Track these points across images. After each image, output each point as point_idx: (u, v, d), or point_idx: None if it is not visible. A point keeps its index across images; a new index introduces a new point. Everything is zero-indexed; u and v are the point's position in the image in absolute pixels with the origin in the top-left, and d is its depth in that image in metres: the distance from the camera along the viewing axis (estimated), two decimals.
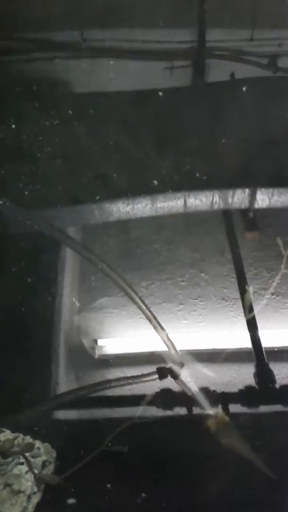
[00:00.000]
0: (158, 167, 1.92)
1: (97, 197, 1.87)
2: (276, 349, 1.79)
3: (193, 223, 2.30)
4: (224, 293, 2.22)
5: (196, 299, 2.22)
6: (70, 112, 2.01)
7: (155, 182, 1.87)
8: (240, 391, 1.52)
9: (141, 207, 1.94)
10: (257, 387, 1.51)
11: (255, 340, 1.68)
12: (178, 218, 2.16)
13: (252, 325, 1.75)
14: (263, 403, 1.50)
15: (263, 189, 2.01)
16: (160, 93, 2.03)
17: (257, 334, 1.71)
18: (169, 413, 1.55)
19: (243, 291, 1.93)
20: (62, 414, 1.60)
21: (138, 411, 1.56)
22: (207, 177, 1.91)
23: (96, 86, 2.16)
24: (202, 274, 2.27)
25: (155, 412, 1.56)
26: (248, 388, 1.52)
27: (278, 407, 1.47)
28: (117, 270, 1.86)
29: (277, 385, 1.50)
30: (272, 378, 1.51)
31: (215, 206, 2.06)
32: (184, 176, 1.89)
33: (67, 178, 1.89)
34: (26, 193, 1.85)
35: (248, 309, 1.85)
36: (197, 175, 1.91)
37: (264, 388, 1.50)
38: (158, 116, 2.02)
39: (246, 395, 1.50)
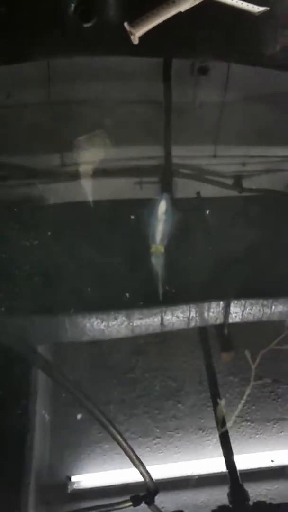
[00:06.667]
0: (130, 281, 2.03)
1: (71, 310, 1.95)
2: (250, 471, 1.73)
3: (169, 346, 2.32)
4: (201, 423, 2.18)
5: (173, 431, 2.18)
6: (49, 233, 2.15)
7: (127, 295, 1.99)
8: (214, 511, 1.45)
9: (116, 325, 2.01)
10: (231, 506, 1.45)
11: (230, 463, 1.64)
12: (154, 339, 2.23)
13: (227, 449, 1.72)
14: None
15: (235, 301, 2.06)
16: (132, 216, 2.21)
17: (232, 458, 1.67)
18: None
19: (219, 422, 1.91)
20: None
21: None
22: (177, 291, 2.01)
23: (73, 208, 2.31)
24: (179, 405, 2.25)
25: None
26: (222, 508, 1.45)
27: None
28: (94, 402, 1.84)
29: (250, 503, 1.44)
30: (246, 497, 1.46)
31: (192, 323, 2.09)
32: (155, 290, 1.99)
33: (43, 294, 1.97)
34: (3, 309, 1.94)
35: (221, 424, 1.83)
36: (167, 288, 2.01)
37: (238, 507, 1.44)
38: (131, 235, 2.18)
39: None
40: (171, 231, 2.12)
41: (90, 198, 2.24)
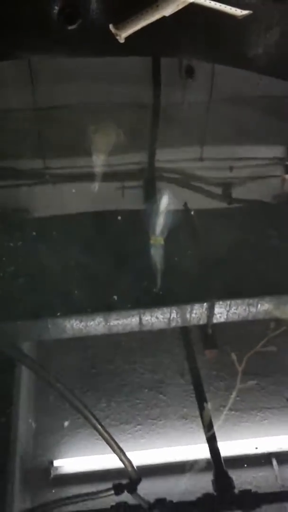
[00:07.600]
0: (116, 283, 2.02)
1: (58, 313, 1.93)
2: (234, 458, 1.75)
3: (151, 342, 2.33)
4: (184, 412, 2.18)
5: (155, 419, 2.18)
6: (34, 233, 2.15)
7: (115, 297, 1.98)
8: (199, 499, 1.45)
9: (94, 325, 1.99)
10: (215, 494, 1.45)
11: (214, 450, 1.65)
12: (133, 336, 2.22)
13: (211, 438, 1.73)
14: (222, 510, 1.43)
15: (220, 302, 2.06)
16: (119, 217, 2.25)
17: (216, 445, 1.68)
18: None
19: (202, 408, 1.93)
20: None
21: None
22: (163, 292, 2.01)
23: (58, 209, 2.35)
24: (161, 396, 2.24)
25: None
26: (207, 496, 1.45)
27: None
28: (73, 391, 1.84)
29: (236, 491, 1.45)
30: (231, 485, 1.47)
31: (172, 323, 2.10)
32: (142, 292, 2.00)
33: (28, 296, 1.96)
34: None
35: (208, 426, 1.84)
36: (154, 290, 2.01)
37: (223, 494, 1.44)
38: (116, 236, 2.20)
39: (204, 503, 1.44)
40: (171, 225, 2.22)
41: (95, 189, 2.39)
